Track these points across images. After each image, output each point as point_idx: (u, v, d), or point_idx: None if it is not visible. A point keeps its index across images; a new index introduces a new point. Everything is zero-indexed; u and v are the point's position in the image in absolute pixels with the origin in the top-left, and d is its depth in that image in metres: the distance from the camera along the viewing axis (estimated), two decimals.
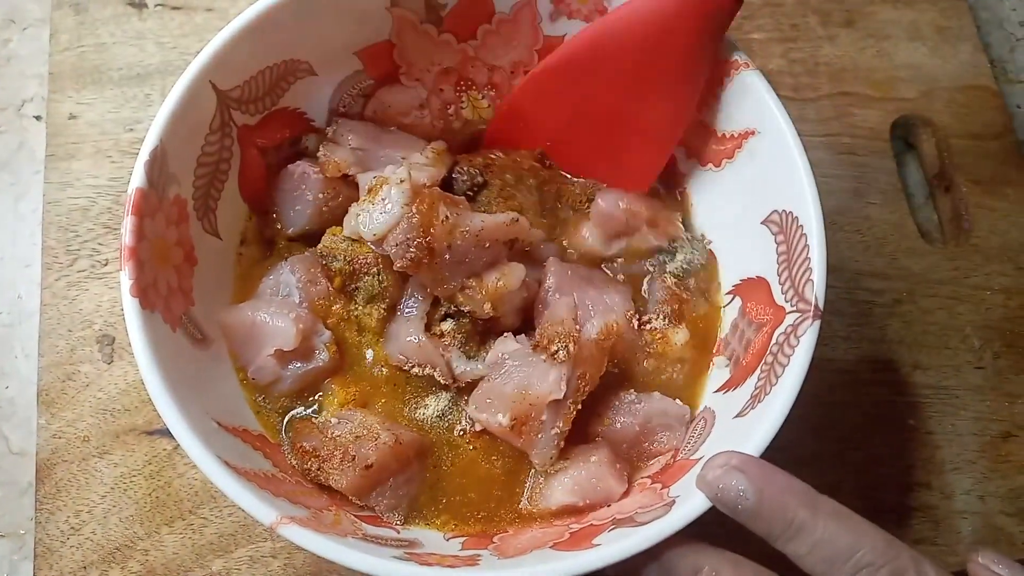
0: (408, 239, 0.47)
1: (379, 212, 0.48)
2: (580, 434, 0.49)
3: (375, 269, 0.51)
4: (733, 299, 0.53)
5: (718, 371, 0.52)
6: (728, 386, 0.50)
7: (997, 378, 0.62)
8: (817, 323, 0.44)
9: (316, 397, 0.51)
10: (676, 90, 0.51)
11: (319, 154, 0.55)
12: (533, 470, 0.49)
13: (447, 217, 0.48)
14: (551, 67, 0.55)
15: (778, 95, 0.70)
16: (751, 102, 0.50)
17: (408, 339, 0.50)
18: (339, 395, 0.51)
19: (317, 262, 0.53)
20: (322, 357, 0.51)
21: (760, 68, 0.51)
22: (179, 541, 0.54)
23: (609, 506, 0.47)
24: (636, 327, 0.53)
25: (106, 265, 0.60)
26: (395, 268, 0.48)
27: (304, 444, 0.48)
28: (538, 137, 0.57)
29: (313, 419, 0.50)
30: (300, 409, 0.51)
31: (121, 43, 0.66)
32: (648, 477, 0.48)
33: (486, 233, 0.49)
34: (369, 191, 0.50)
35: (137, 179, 0.45)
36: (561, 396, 0.46)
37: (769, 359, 0.46)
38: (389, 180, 0.49)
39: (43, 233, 0.61)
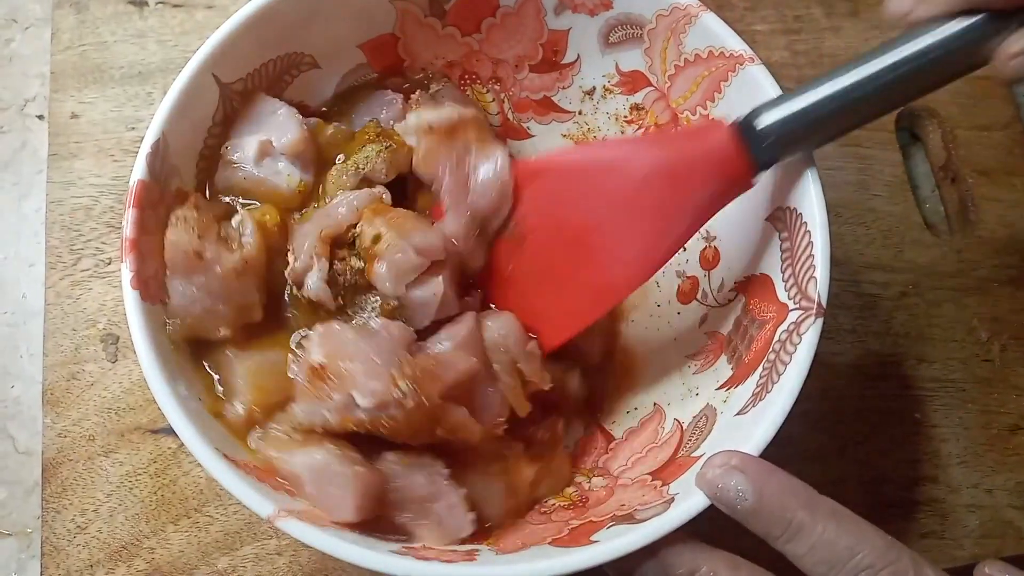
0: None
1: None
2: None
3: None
4: (737, 296, 0.53)
5: (720, 368, 0.51)
6: (730, 383, 0.49)
7: (1005, 371, 0.62)
8: (820, 321, 0.44)
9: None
10: (649, 241, 0.47)
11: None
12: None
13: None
14: (545, 168, 0.50)
15: (783, 88, 0.70)
16: (756, 98, 0.50)
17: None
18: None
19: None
20: (289, 180, 0.49)
21: (765, 61, 0.50)
22: (185, 539, 0.54)
23: (608, 502, 0.47)
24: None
25: (109, 264, 0.60)
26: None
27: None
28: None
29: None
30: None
31: (122, 41, 0.66)
32: (648, 474, 0.48)
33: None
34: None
35: (139, 171, 0.45)
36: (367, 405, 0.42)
37: (771, 356, 0.46)
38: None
39: (46, 233, 0.61)
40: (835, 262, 0.63)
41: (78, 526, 0.54)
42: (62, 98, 0.64)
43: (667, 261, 0.48)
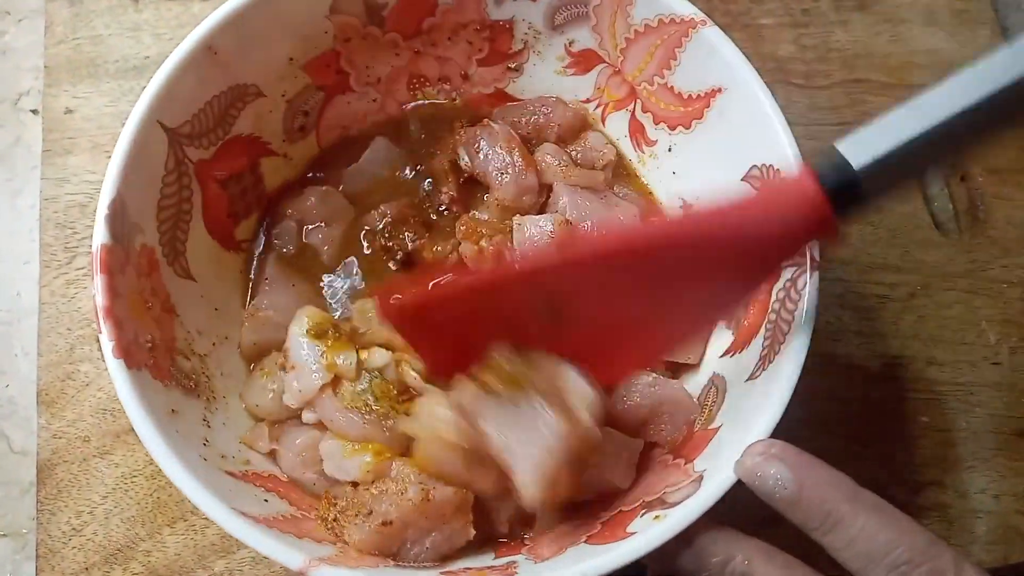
0: None
1: None
2: None
3: None
4: None
5: (720, 335, 0.51)
6: (733, 349, 0.49)
7: (1014, 374, 0.61)
8: (816, 275, 0.43)
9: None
10: (711, 310, 0.43)
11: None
12: None
13: None
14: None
15: (789, 82, 0.69)
16: (714, 60, 0.49)
17: None
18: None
19: None
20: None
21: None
22: (181, 542, 0.53)
23: (632, 488, 0.46)
24: None
25: None
26: None
27: (330, 490, 0.47)
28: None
29: None
30: None
31: (117, 35, 0.65)
32: (669, 454, 0.47)
33: None
34: None
35: (100, 235, 0.43)
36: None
37: (772, 317, 0.45)
38: None
39: (41, 230, 0.60)
40: (841, 262, 0.62)
41: (73, 528, 0.53)
42: (56, 92, 0.63)
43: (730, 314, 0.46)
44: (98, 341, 0.57)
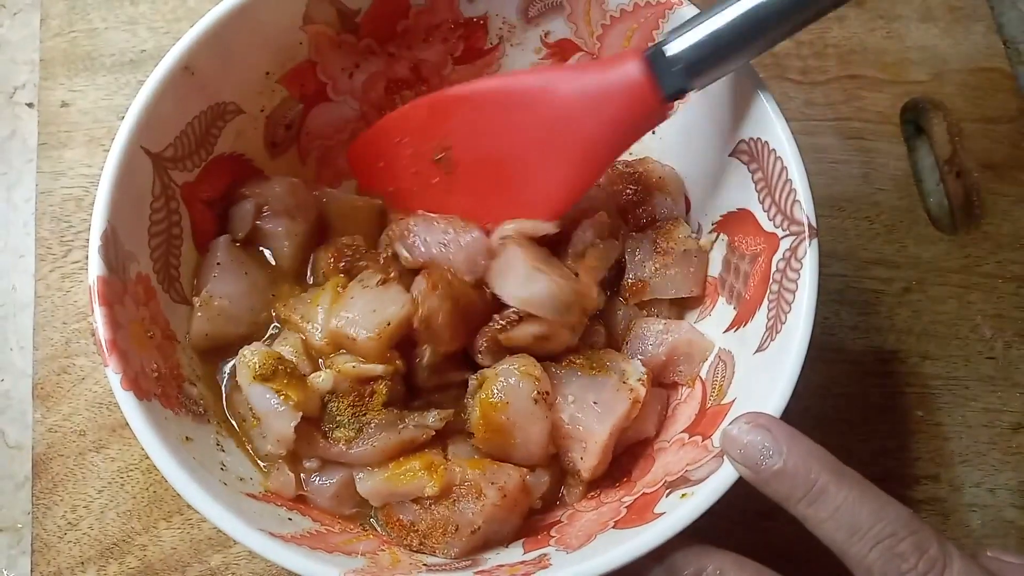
0: None
1: None
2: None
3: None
4: (718, 236, 0.52)
5: (721, 310, 0.51)
6: (737, 323, 0.49)
7: (1008, 368, 0.61)
8: (815, 241, 0.44)
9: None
10: (567, 172, 0.49)
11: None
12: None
13: None
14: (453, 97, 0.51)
15: (785, 78, 0.69)
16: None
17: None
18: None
19: None
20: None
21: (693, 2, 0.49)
22: (177, 536, 0.53)
23: (652, 470, 0.47)
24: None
25: None
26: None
27: (400, 516, 0.45)
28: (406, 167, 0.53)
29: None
30: None
31: (113, 28, 0.65)
32: (684, 432, 0.48)
33: None
34: None
35: (95, 267, 0.43)
36: None
37: (775, 287, 0.46)
38: None
39: (36, 224, 0.60)
40: (838, 257, 0.62)
41: (69, 523, 0.53)
42: (52, 86, 0.63)
43: (586, 190, 0.50)
44: (94, 335, 0.57)
